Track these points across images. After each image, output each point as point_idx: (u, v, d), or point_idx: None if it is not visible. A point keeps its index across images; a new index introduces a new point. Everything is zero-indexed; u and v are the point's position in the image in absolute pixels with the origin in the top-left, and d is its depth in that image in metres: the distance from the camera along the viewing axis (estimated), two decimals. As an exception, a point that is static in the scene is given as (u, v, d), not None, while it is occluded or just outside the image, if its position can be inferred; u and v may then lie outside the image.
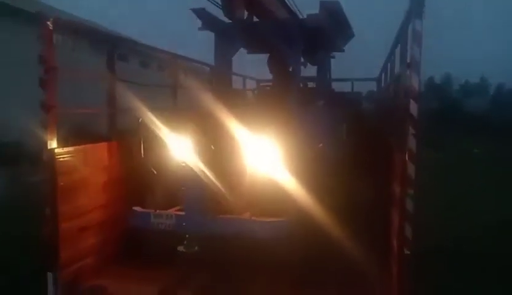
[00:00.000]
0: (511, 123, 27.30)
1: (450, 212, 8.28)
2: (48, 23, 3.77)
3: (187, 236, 4.00)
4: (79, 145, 4.34)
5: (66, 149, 4.02)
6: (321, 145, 4.85)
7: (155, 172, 4.21)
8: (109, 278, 4.31)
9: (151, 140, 4.20)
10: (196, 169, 3.95)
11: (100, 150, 4.66)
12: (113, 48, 4.84)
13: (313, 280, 4.07)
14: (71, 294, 3.96)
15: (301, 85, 5.91)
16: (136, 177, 4.46)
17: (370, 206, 4.79)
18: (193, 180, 3.95)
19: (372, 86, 9.06)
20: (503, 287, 5.23)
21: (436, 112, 30.06)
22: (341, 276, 4.10)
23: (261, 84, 8.15)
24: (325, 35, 5.44)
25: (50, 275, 3.82)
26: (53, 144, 3.88)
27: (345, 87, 8.51)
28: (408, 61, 3.30)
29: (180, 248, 3.98)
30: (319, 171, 4.16)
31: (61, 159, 3.92)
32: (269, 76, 6.21)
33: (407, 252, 3.26)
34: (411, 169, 3.27)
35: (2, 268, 5.46)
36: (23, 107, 13.28)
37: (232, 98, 5.06)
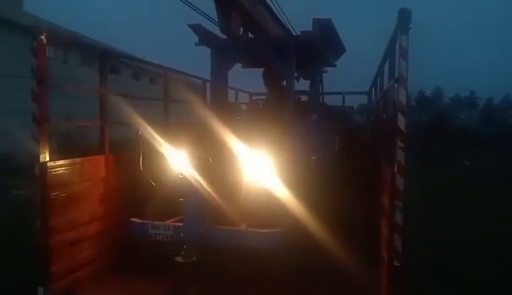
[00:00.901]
0: (500, 136, 27.82)
1: (439, 225, 8.30)
2: (42, 36, 3.77)
3: (184, 246, 4.07)
4: (72, 158, 4.36)
5: (58, 162, 4.03)
6: (314, 157, 4.98)
7: (153, 183, 4.31)
8: (106, 289, 4.34)
9: (150, 152, 4.30)
10: (193, 181, 4.06)
11: (95, 163, 4.68)
12: (105, 61, 4.84)
13: (306, 291, 4.13)
14: None
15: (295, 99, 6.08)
16: (134, 189, 4.54)
17: (362, 217, 4.90)
18: (191, 191, 4.05)
19: (363, 99, 9.27)
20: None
21: (426, 125, 30.45)
22: (334, 286, 4.15)
23: (254, 98, 8.33)
24: (318, 51, 5.63)
25: (40, 290, 3.80)
26: (45, 157, 3.87)
27: (336, 100, 8.71)
28: (396, 75, 3.39)
29: (178, 258, 4.04)
30: (312, 183, 4.28)
31: (53, 172, 3.92)
32: (261, 89, 6.37)
33: (396, 264, 3.30)
34: (399, 181, 3.31)
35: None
36: (13, 119, 13.36)
37: (229, 112, 5.19)
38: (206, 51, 5.56)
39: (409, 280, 3.83)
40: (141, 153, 4.33)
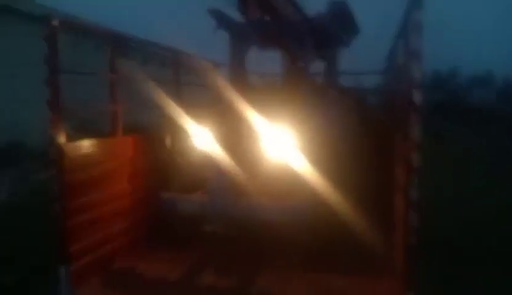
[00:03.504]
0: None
1: (453, 203, 8.29)
2: (54, 23, 3.79)
3: (212, 217, 4.37)
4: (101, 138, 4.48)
5: (74, 144, 4.09)
6: (332, 133, 5.16)
7: (181, 161, 4.60)
8: (136, 260, 4.59)
9: (177, 131, 4.58)
10: (218, 157, 4.33)
11: (120, 143, 4.85)
12: (116, 46, 4.84)
13: (326, 261, 4.30)
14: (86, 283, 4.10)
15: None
16: (162, 167, 4.83)
17: (379, 192, 5.07)
18: (217, 167, 4.33)
19: (377, 79, 9.32)
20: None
21: (442, 104, 29.98)
22: (351, 259, 4.31)
23: (267, 79, 8.49)
24: (333, 32, 5.78)
25: (62, 268, 3.91)
26: (61, 139, 3.91)
27: (351, 80, 8.81)
28: (410, 51, 3.37)
29: (207, 227, 4.36)
30: (331, 157, 4.48)
31: (69, 153, 3.98)
32: (271, 70, 6.48)
33: (412, 239, 3.33)
34: (415, 157, 3.31)
35: (17, 262, 5.50)
36: (26, 107, 13.67)
37: (249, 92, 5.40)
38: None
39: (424, 256, 3.74)
40: (168, 132, 4.60)
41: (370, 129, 5.71)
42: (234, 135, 4.44)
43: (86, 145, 4.27)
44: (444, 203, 8.09)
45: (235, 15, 5.22)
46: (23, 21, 15.67)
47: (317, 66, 7.52)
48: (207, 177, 4.51)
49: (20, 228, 6.70)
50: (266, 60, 7.39)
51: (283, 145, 4.32)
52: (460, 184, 10.00)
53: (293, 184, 4.22)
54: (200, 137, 4.55)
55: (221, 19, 5.56)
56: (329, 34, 5.76)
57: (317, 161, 4.20)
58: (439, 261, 5.36)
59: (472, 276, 4.99)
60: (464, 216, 7.39)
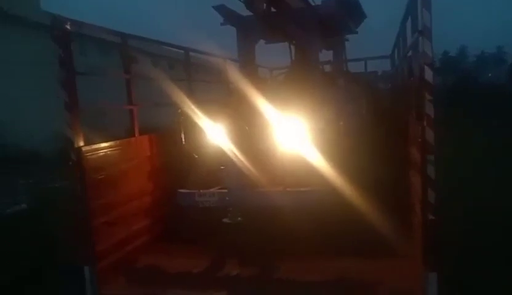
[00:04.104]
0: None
1: (468, 183, 8.17)
2: (66, 26, 3.84)
3: (230, 209, 4.43)
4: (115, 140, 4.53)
5: (93, 146, 4.12)
6: (342, 122, 5.15)
7: (196, 156, 4.66)
8: (160, 256, 4.64)
9: (190, 127, 4.63)
10: (233, 150, 4.38)
11: (139, 143, 4.94)
12: (127, 47, 4.86)
13: (339, 245, 4.25)
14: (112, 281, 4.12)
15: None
16: (178, 164, 4.90)
17: (390, 176, 5.03)
18: (232, 159, 4.39)
19: (386, 65, 9.26)
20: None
21: (452, 86, 29.46)
22: (367, 242, 4.24)
23: (275, 72, 8.49)
24: (339, 19, 5.75)
25: (86, 269, 3.95)
26: (80, 142, 3.91)
27: (359, 67, 8.76)
28: (419, 28, 3.35)
29: (225, 220, 4.43)
30: (342, 145, 4.47)
31: (88, 156, 3.99)
32: (279, 64, 6.44)
33: (431, 217, 3.33)
34: (429, 135, 3.32)
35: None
36: (34, 117, 13.67)
37: (260, 84, 5.41)
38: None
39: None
40: (182, 129, 4.67)
41: (380, 114, 5.68)
42: (247, 127, 4.47)
43: (105, 146, 4.35)
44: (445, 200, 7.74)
45: (240, 8, 5.25)
46: (28, 28, 15.72)
47: (326, 54, 7.52)
48: (223, 170, 4.56)
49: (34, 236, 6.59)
50: (275, 54, 7.43)
51: (295, 136, 4.35)
52: (461, 180, 9.27)
53: (306, 171, 4.24)
54: (215, 132, 4.60)
55: (227, 15, 5.58)
56: (336, 22, 5.73)
57: (328, 150, 4.21)
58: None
59: (470, 276, 4.83)
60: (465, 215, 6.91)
